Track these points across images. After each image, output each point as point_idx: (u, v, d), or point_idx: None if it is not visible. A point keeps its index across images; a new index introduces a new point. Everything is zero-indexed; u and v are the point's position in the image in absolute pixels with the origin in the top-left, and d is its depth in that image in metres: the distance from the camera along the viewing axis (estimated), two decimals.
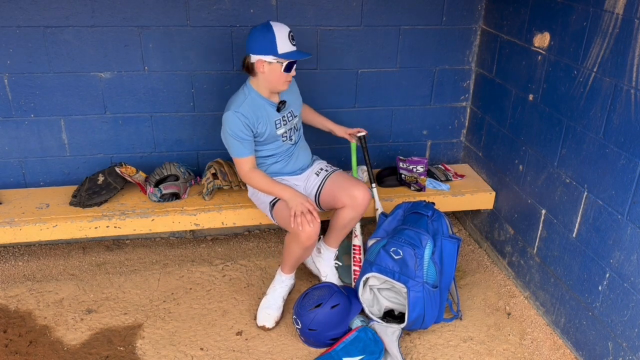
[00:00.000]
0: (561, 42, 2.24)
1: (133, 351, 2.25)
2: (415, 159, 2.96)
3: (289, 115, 2.41)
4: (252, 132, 2.30)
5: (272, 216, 2.45)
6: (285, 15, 2.65)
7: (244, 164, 2.33)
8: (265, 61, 2.21)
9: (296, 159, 2.51)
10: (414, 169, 2.92)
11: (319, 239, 2.62)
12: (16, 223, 2.48)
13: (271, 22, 2.20)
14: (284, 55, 2.20)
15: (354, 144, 2.71)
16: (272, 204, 2.41)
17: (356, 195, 2.35)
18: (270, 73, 2.24)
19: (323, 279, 2.59)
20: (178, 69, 2.68)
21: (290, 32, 2.22)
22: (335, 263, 2.58)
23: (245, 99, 2.29)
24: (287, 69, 2.23)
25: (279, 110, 2.36)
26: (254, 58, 2.22)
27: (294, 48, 2.24)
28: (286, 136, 2.42)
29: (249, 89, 2.32)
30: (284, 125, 2.39)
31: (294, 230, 2.23)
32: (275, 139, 2.39)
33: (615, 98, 1.96)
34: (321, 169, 2.54)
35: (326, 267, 2.58)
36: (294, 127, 2.46)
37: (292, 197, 2.27)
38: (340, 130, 2.69)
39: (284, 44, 2.19)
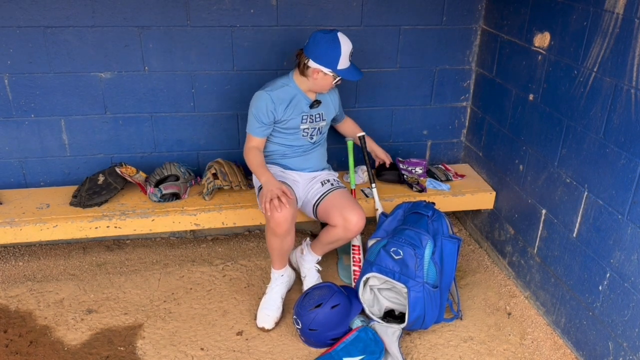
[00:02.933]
0: (561, 42, 2.24)
1: (133, 351, 2.25)
2: (414, 160, 2.97)
3: (317, 116, 2.46)
4: (274, 117, 2.37)
5: (258, 201, 2.46)
6: (286, 15, 2.65)
7: (251, 140, 2.43)
8: (322, 71, 2.29)
9: (308, 159, 2.54)
10: (413, 171, 2.92)
11: (307, 239, 2.64)
12: (16, 223, 2.48)
13: (339, 36, 2.26)
14: (341, 72, 2.30)
15: (350, 143, 2.72)
16: (259, 188, 2.43)
17: (350, 219, 2.35)
18: (322, 80, 2.33)
19: (302, 279, 2.59)
20: (178, 69, 2.68)
21: (352, 51, 2.30)
22: (315, 267, 2.58)
23: (283, 87, 2.38)
24: (346, 77, 2.33)
25: (311, 107, 2.42)
26: (312, 64, 2.29)
27: (349, 64, 2.32)
28: (307, 133, 2.46)
29: (290, 80, 2.40)
30: (310, 122, 2.45)
31: (265, 215, 2.24)
32: (296, 132, 2.44)
33: (615, 98, 1.96)
34: (327, 181, 2.54)
35: (305, 269, 2.58)
36: (319, 129, 2.50)
37: (267, 182, 2.29)
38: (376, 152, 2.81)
39: (344, 62, 2.29)
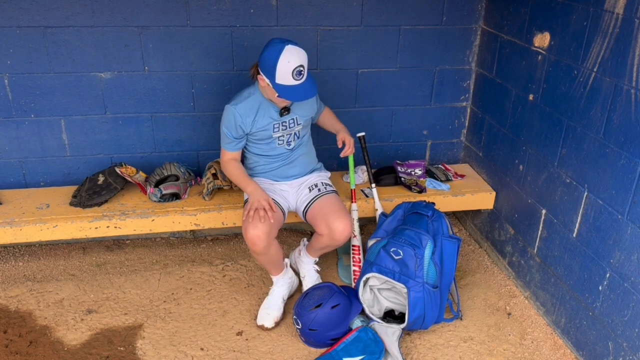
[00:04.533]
0: (561, 42, 2.24)
1: (133, 351, 2.25)
2: (412, 162, 2.97)
3: (290, 121, 2.36)
4: (243, 131, 2.31)
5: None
6: (285, 15, 2.65)
7: (225, 154, 2.39)
8: (264, 79, 2.17)
9: (292, 166, 2.47)
10: (413, 172, 2.92)
11: (305, 239, 2.65)
12: (16, 223, 2.48)
13: (287, 47, 2.09)
14: (279, 88, 2.14)
15: None
16: (245, 202, 2.42)
17: (335, 228, 2.31)
18: (267, 90, 2.21)
19: (301, 279, 2.59)
20: (178, 69, 2.68)
21: (297, 67, 2.09)
22: (314, 267, 2.57)
23: (249, 97, 2.28)
24: (279, 95, 2.17)
25: (281, 114, 2.32)
26: (260, 69, 2.17)
27: (296, 82, 2.13)
28: (283, 140, 2.39)
29: (255, 89, 2.30)
30: (283, 130, 2.36)
31: (243, 230, 2.23)
32: (271, 141, 2.37)
33: (615, 98, 1.96)
34: (315, 186, 2.48)
35: (304, 270, 2.58)
36: (295, 134, 2.40)
37: (253, 192, 2.29)
38: (339, 135, 2.52)
39: (284, 77, 2.11)
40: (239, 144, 2.36)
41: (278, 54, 2.09)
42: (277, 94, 2.17)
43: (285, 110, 2.31)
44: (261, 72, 2.17)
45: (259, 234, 2.18)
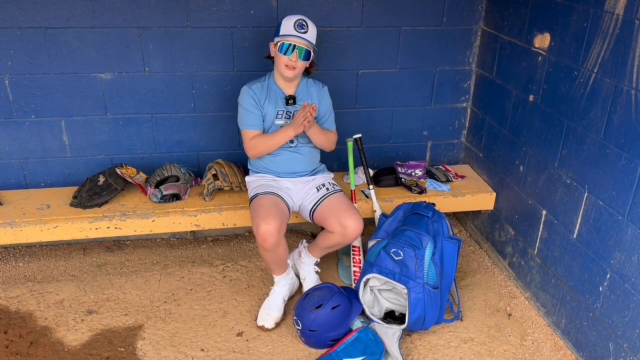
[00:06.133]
0: (561, 43, 2.24)
1: (134, 352, 2.25)
2: (413, 163, 2.96)
3: (295, 113, 2.42)
4: (260, 108, 2.40)
5: (251, 212, 2.42)
6: (286, 16, 2.65)
7: (248, 135, 2.43)
8: (272, 44, 2.36)
9: (291, 163, 2.49)
10: (413, 173, 2.92)
11: (304, 241, 2.65)
12: (17, 224, 2.48)
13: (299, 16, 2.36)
14: (282, 37, 2.31)
15: (350, 143, 2.71)
16: (250, 199, 2.43)
17: (347, 225, 2.34)
18: (276, 59, 2.36)
19: (302, 281, 2.59)
20: (178, 70, 2.68)
21: (298, 20, 2.31)
22: (314, 268, 2.57)
23: (262, 81, 2.45)
24: (281, 49, 2.30)
25: (287, 102, 2.42)
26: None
27: (297, 34, 2.29)
28: None
29: (270, 75, 2.47)
30: (285, 118, 2.44)
31: (253, 230, 2.25)
32: (272, 129, 2.43)
33: (615, 99, 1.96)
34: (322, 185, 2.51)
35: (305, 271, 2.58)
36: None
37: (291, 124, 2.37)
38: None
39: (286, 28, 2.30)
40: (258, 119, 2.42)
41: (285, 17, 2.35)
42: (277, 47, 2.30)
43: (291, 100, 2.42)
44: (273, 40, 2.35)
45: (270, 230, 2.19)
